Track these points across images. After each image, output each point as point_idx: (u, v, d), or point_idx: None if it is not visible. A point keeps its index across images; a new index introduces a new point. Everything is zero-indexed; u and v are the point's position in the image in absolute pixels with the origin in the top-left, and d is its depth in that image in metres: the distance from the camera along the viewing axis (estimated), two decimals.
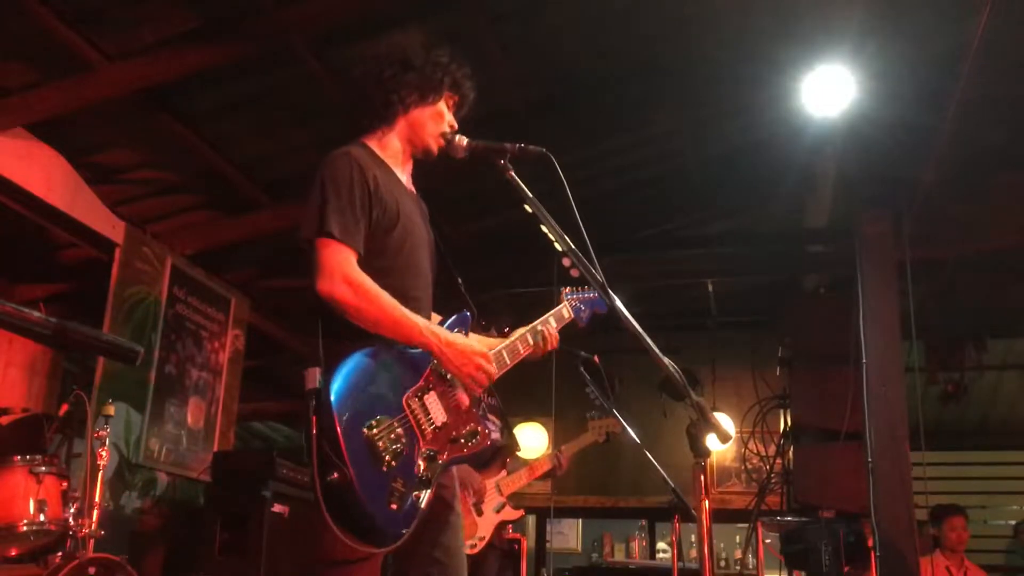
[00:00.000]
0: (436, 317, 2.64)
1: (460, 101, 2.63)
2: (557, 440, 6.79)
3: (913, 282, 4.92)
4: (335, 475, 2.06)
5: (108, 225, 5.33)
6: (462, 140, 2.60)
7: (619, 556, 9.31)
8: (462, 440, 2.37)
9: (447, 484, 2.43)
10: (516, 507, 4.49)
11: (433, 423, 2.31)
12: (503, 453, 4.48)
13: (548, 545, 8.85)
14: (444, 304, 2.69)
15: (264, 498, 4.77)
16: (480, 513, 4.21)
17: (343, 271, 2.26)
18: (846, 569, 4.91)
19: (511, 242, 6.23)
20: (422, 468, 2.25)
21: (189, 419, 6.07)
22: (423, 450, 2.26)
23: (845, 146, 4.62)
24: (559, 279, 5.89)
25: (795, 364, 5.68)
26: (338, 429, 2.08)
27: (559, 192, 2.34)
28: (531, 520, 9.30)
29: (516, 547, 5.93)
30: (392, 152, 2.55)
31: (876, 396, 4.94)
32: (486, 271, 6.30)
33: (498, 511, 4.34)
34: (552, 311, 2.84)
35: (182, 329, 6.00)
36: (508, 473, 4.49)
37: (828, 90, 4.25)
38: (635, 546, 9.21)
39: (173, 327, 5.89)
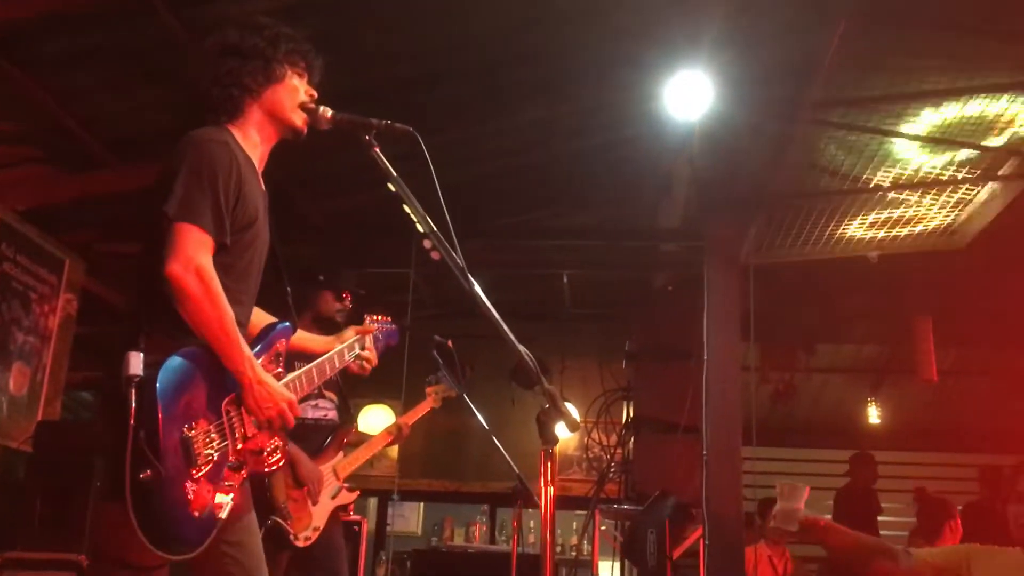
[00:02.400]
0: (262, 314, 2.59)
1: (308, 67, 2.57)
2: None
3: (753, 288, 5.16)
4: (148, 473, 1.95)
5: None
6: (326, 112, 2.54)
7: (459, 540, 9.37)
8: (265, 454, 2.33)
9: (245, 490, 2.37)
10: (354, 488, 4.34)
11: (245, 433, 2.26)
12: (339, 434, 4.28)
13: (388, 528, 8.81)
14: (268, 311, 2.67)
15: (90, 472, 4.53)
16: (315, 502, 4.02)
17: (198, 262, 2.17)
18: (671, 559, 5.08)
19: (369, 222, 6.14)
20: (228, 477, 2.18)
21: (11, 385, 5.69)
22: (231, 459, 2.21)
23: (701, 150, 4.78)
24: (417, 262, 5.88)
25: (640, 358, 5.87)
26: (159, 424, 1.98)
27: (423, 173, 2.33)
28: (373, 502, 9.23)
29: (356, 528, 5.87)
30: (252, 144, 2.47)
31: (714, 392, 5.14)
32: (342, 251, 6.19)
33: (333, 497, 4.15)
34: (354, 338, 2.89)
35: (7, 289, 5.61)
36: (345, 455, 4.35)
37: (688, 94, 4.38)
38: (475, 531, 9.29)
39: None
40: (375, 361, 2.90)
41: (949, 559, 3.17)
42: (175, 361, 2.11)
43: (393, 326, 3.22)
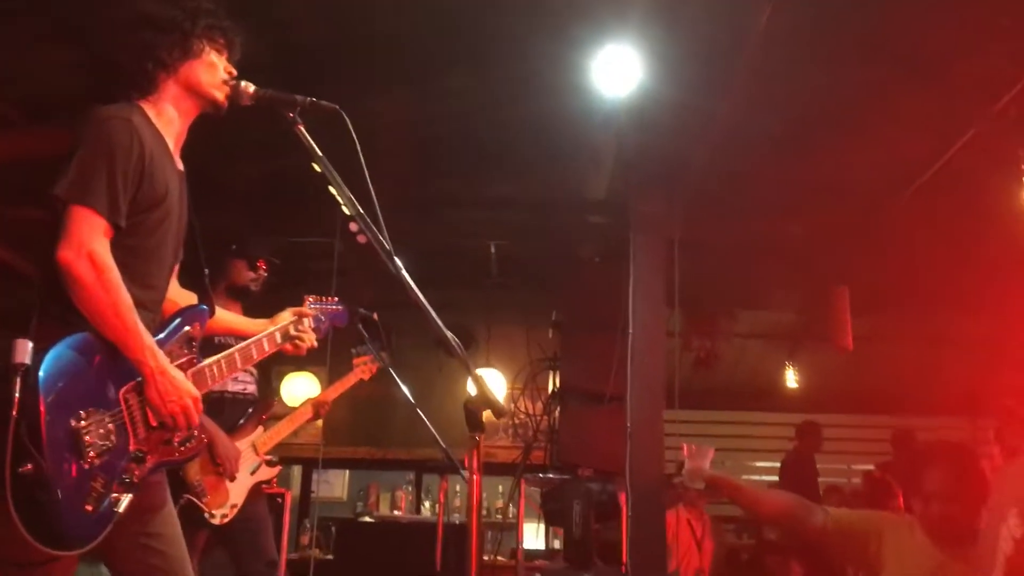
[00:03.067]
0: (184, 294, 2.52)
1: (227, 43, 2.48)
2: None
3: (678, 257, 5.22)
4: (29, 466, 1.87)
5: None
6: (248, 87, 2.47)
7: (384, 507, 9.38)
8: (175, 443, 2.25)
9: (158, 480, 2.30)
10: (275, 463, 4.27)
11: (148, 422, 2.17)
12: (259, 409, 4.20)
13: (313, 496, 8.76)
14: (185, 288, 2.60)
15: None
16: (232, 479, 3.92)
17: (91, 247, 2.07)
18: (595, 527, 5.18)
19: (292, 188, 5.99)
20: (127, 469, 2.11)
21: None
22: (132, 450, 2.13)
23: (628, 124, 4.79)
24: (342, 230, 5.78)
25: (566, 328, 5.90)
26: (41, 415, 1.91)
27: (349, 147, 2.28)
28: (297, 471, 9.17)
29: (280, 500, 5.81)
30: (167, 119, 2.37)
31: (639, 362, 5.21)
32: (263, 218, 6.04)
33: (253, 472, 4.07)
34: (291, 319, 2.84)
35: None
36: (265, 429, 4.26)
37: (616, 69, 4.37)
38: (401, 497, 9.31)
39: None
40: (314, 343, 2.84)
41: (862, 524, 3.18)
42: (62, 348, 2.02)
43: (340, 307, 3.15)
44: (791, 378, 9.49)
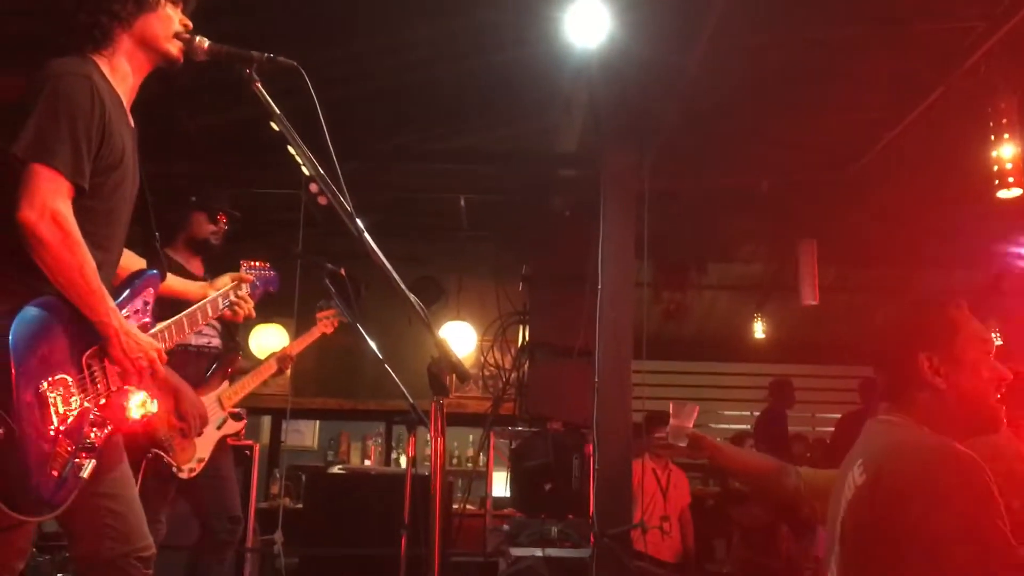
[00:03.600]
0: (133, 258, 2.49)
1: None
2: None
3: (649, 211, 5.20)
4: (0, 430, 1.87)
5: None
6: (203, 42, 2.40)
7: (355, 457, 9.42)
8: (132, 407, 2.26)
9: (116, 442, 2.30)
10: (240, 417, 4.25)
11: (109, 387, 2.17)
12: (224, 363, 4.14)
13: (283, 445, 8.78)
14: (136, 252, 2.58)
15: None
16: (199, 434, 3.89)
17: (54, 207, 2.02)
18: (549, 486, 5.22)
19: (252, 139, 5.88)
20: (91, 433, 2.10)
21: None
22: (95, 415, 2.12)
23: (599, 77, 4.74)
24: (305, 187, 5.71)
25: (536, 282, 5.89)
26: (12, 378, 1.89)
27: (307, 103, 2.23)
28: (267, 421, 9.16)
29: (248, 452, 5.82)
30: (121, 75, 2.31)
31: (607, 316, 5.21)
32: (224, 168, 5.93)
33: (219, 427, 4.04)
34: (230, 285, 2.90)
35: None
36: (231, 383, 4.25)
37: (587, 20, 4.30)
38: (371, 448, 9.35)
39: None
40: (250, 311, 2.85)
41: (830, 484, 3.22)
42: (31, 312, 1.99)
43: (272, 272, 3.21)
44: (759, 329, 9.59)
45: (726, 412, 10.26)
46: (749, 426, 9.11)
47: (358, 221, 2.22)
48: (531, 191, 6.45)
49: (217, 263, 4.12)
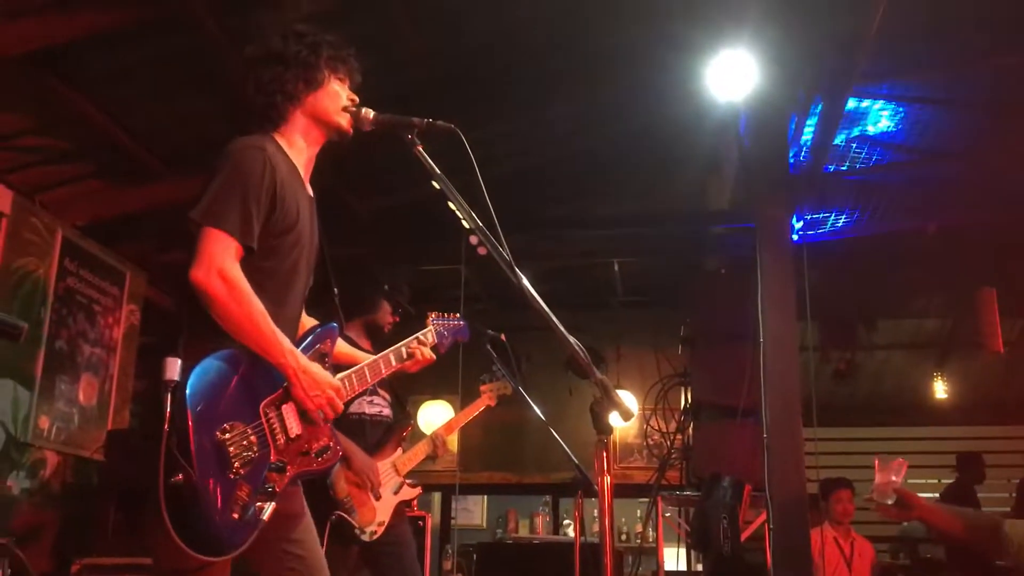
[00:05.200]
0: (309, 321, 2.62)
1: (348, 71, 2.59)
2: None
3: (808, 265, 5.07)
4: (179, 476, 1.98)
5: None
6: (368, 113, 2.56)
7: (524, 532, 9.40)
8: (313, 454, 2.33)
9: (295, 490, 2.39)
10: (416, 484, 4.35)
11: (287, 434, 2.26)
12: (396, 431, 4.26)
13: (453, 522, 8.86)
14: (315, 312, 2.69)
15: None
16: (378, 497, 4.01)
17: (221, 264, 2.18)
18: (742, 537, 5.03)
19: (418, 219, 6.16)
20: (269, 479, 2.19)
21: (81, 396, 5.85)
22: (273, 461, 2.21)
23: (747, 130, 4.72)
24: (467, 257, 5.90)
25: (696, 343, 5.80)
26: (190, 428, 2.01)
27: (466, 169, 2.34)
28: (436, 497, 9.30)
29: (421, 524, 5.91)
30: (298, 149, 2.50)
31: (772, 374, 5.06)
32: (392, 248, 6.23)
33: (396, 492, 4.15)
34: (417, 334, 2.92)
35: (73, 303, 5.77)
36: (404, 451, 4.33)
37: (731, 74, 4.32)
38: (539, 521, 9.31)
39: (64, 301, 5.65)
40: (429, 356, 2.89)
41: None
42: (208, 364, 2.12)
43: (461, 323, 3.24)
44: (940, 389, 9.01)
45: (911, 481, 9.62)
46: (935, 494, 8.50)
47: (517, 270, 2.28)
48: (684, 252, 6.41)
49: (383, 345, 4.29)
